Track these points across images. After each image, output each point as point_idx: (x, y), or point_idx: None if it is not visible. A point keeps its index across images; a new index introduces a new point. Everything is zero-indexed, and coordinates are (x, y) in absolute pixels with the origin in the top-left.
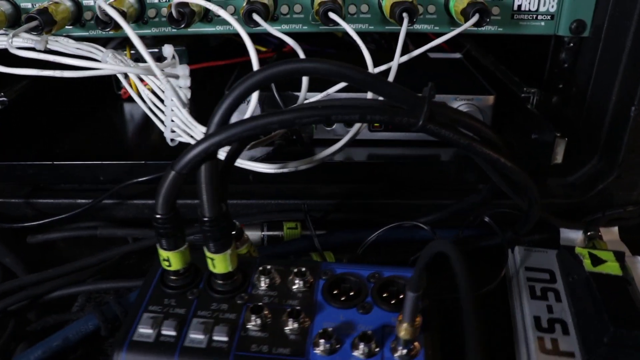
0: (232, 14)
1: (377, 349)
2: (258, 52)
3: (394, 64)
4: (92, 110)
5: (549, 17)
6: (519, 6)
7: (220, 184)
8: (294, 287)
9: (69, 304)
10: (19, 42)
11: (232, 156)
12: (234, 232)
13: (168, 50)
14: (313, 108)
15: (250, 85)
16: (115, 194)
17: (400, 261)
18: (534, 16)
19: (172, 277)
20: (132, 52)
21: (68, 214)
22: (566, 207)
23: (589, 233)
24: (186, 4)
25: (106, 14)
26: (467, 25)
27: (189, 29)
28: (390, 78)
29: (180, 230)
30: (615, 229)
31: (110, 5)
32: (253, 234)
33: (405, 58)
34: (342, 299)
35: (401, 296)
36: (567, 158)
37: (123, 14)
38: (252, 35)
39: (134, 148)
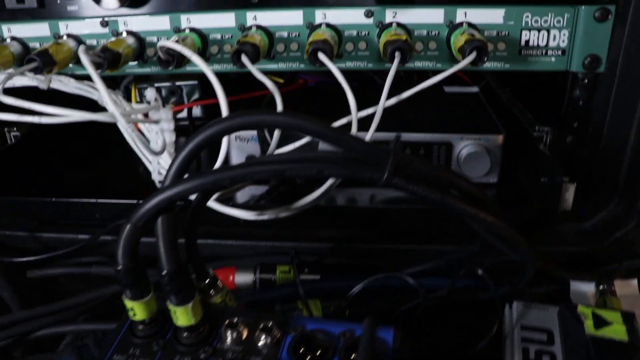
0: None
1: None
2: (277, 84)
3: (379, 108)
4: (97, 147)
5: (559, 53)
6: (527, 42)
7: (176, 237)
8: (260, 342)
9: (58, 342)
10: (24, 81)
11: (198, 206)
12: (207, 280)
13: (150, 94)
14: (267, 163)
15: (207, 137)
16: (112, 232)
17: (389, 311)
18: (544, 52)
19: (139, 327)
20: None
21: (65, 250)
22: (580, 256)
23: (600, 287)
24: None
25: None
26: (463, 64)
27: (187, 68)
28: (375, 122)
29: (143, 280)
30: (635, 282)
31: (106, 46)
32: (245, 277)
33: (393, 100)
34: (308, 358)
35: None
36: (583, 202)
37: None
38: None
39: (132, 186)
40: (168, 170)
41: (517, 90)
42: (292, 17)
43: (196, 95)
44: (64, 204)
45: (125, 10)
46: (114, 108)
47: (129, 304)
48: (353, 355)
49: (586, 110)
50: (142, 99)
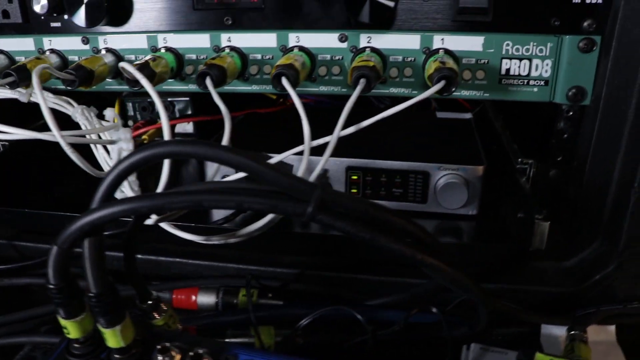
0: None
1: None
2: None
3: (333, 137)
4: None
5: (542, 83)
6: (508, 70)
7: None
8: None
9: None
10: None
11: (133, 229)
12: (150, 302)
13: (109, 113)
14: (186, 193)
15: (129, 165)
16: None
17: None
18: (525, 81)
19: (74, 345)
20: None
21: (33, 262)
22: (557, 296)
23: (572, 332)
24: (145, 65)
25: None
26: (428, 93)
27: (164, 87)
28: (328, 150)
29: (77, 299)
30: (612, 328)
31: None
32: (208, 298)
33: (352, 129)
34: None
35: None
36: (565, 240)
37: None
38: None
39: None
40: (94, 194)
41: (510, 117)
42: (265, 40)
43: (188, 112)
44: (35, 215)
45: (105, 29)
46: (54, 128)
47: (62, 322)
48: None
49: (571, 144)
50: (135, 113)
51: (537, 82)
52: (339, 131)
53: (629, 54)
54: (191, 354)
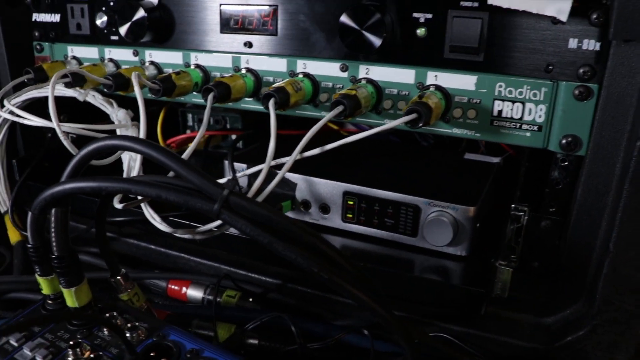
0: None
1: None
2: None
3: (290, 158)
4: None
5: (535, 128)
6: (500, 112)
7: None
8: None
9: None
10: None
11: (100, 208)
12: (118, 277)
13: (121, 114)
14: (121, 181)
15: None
16: None
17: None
18: (518, 125)
19: (48, 301)
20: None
21: None
22: (527, 351)
23: None
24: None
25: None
26: (396, 122)
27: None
28: (285, 169)
29: (48, 261)
30: None
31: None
32: (197, 293)
33: (316, 151)
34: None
35: None
36: (550, 296)
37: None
38: None
39: None
40: (64, 172)
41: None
42: (278, 64)
43: (238, 125)
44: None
45: (150, 44)
46: (54, 118)
47: (37, 279)
48: None
49: (565, 195)
50: (194, 124)
51: (530, 127)
52: (297, 152)
53: (617, 106)
54: (129, 325)
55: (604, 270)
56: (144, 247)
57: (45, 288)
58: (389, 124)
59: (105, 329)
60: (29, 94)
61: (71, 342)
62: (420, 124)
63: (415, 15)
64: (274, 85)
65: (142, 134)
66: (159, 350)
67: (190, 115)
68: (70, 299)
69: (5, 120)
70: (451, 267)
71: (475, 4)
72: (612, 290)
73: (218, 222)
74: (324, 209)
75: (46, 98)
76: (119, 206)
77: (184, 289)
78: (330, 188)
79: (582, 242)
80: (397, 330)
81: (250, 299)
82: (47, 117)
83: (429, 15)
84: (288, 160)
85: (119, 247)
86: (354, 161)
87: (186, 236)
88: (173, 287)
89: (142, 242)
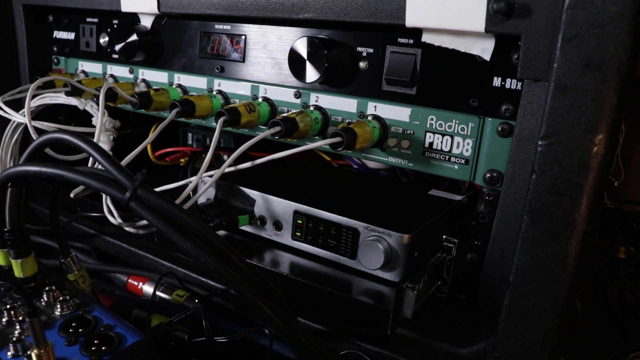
0: None
1: None
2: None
3: (218, 171)
4: None
5: (463, 162)
6: (431, 143)
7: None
8: (57, 309)
9: None
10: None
11: (53, 193)
12: (68, 259)
13: (94, 120)
14: (52, 167)
15: (36, 144)
16: None
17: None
18: (447, 157)
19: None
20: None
21: None
22: None
23: None
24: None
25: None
26: (319, 144)
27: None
28: (207, 186)
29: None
30: None
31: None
32: (151, 289)
33: (248, 164)
34: (70, 330)
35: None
36: (471, 328)
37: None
38: None
39: None
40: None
41: None
42: (243, 88)
43: (231, 145)
44: None
45: (143, 64)
46: (28, 117)
47: None
48: (96, 340)
49: (490, 229)
50: (193, 142)
51: (457, 160)
52: (225, 166)
53: (527, 143)
54: (61, 298)
55: (505, 302)
56: (118, 245)
57: (1, 259)
58: (313, 144)
59: (43, 300)
60: (42, 100)
61: (7, 306)
62: (341, 148)
63: (359, 49)
64: (229, 106)
65: (96, 137)
66: (79, 321)
67: (190, 134)
68: (17, 270)
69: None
70: (375, 289)
71: (411, 41)
72: (512, 323)
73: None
74: (277, 226)
75: (56, 105)
76: (72, 195)
77: (141, 284)
78: (283, 206)
79: (495, 275)
80: (280, 327)
81: (197, 300)
82: (57, 122)
83: (371, 50)
84: (216, 172)
85: (98, 243)
86: (314, 185)
87: (129, 229)
88: (132, 282)
89: (116, 241)
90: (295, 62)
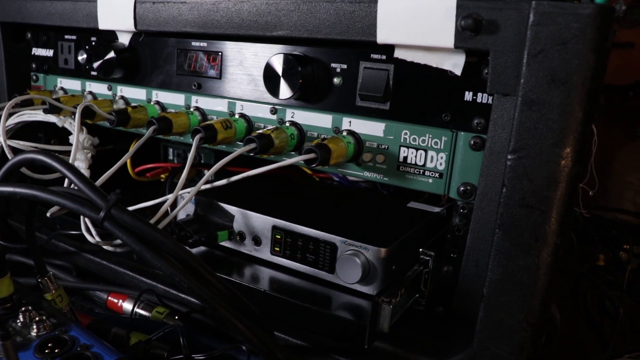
0: None
1: None
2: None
3: (171, 196)
4: None
5: (437, 175)
6: (405, 158)
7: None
8: (33, 330)
9: None
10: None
11: (29, 213)
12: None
13: (71, 138)
14: (32, 188)
15: (12, 164)
16: None
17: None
18: (421, 171)
19: None
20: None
21: None
22: None
23: None
24: (123, 111)
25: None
26: (293, 160)
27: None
28: (181, 206)
29: None
30: None
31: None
32: (128, 305)
33: (223, 182)
34: (46, 351)
35: None
36: (448, 341)
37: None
38: None
39: None
40: None
41: None
42: (220, 104)
43: (211, 161)
44: None
45: (121, 81)
46: (2, 137)
47: None
48: None
49: (464, 242)
50: (174, 158)
51: (432, 174)
52: (202, 183)
53: (498, 157)
54: (37, 318)
55: (480, 315)
56: (98, 262)
57: None
58: (288, 161)
59: (19, 321)
60: (21, 118)
61: None
62: (315, 164)
63: (333, 65)
64: (205, 123)
65: (72, 156)
66: (56, 341)
67: (170, 150)
68: None
69: None
70: (353, 303)
71: (383, 57)
72: (486, 335)
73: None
74: (256, 241)
75: (35, 122)
76: (48, 214)
77: (121, 302)
78: (261, 222)
79: (470, 287)
80: (254, 344)
81: (177, 317)
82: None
83: (344, 66)
84: (193, 189)
85: (78, 261)
86: (294, 199)
87: (107, 247)
88: (112, 299)
89: (96, 258)
90: (270, 79)
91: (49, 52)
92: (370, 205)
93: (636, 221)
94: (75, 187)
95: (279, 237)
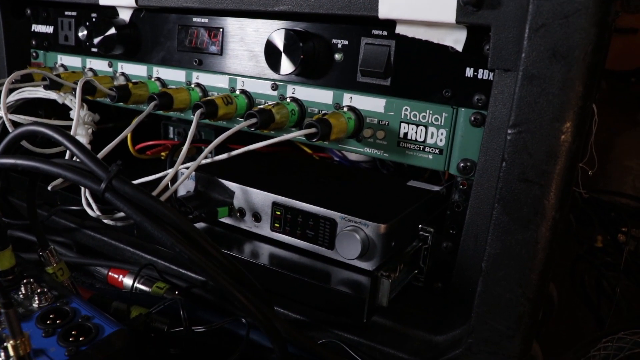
0: None
1: None
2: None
3: (171, 170)
4: None
5: (437, 151)
6: (405, 134)
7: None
8: (34, 301)
9: None
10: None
11: (30, 187)
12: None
13: (72, 114)
14: (33, 160)
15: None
16: None
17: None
18: (421, 147)
19: None
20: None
21: None
22: None
23: None
24: (124, 87)
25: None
26: (294, 134)
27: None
28: (189, 171)
29: None
30: None
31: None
32: (129, 280)
33: (224, 156)
34: (47, 322)
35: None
36: (446, 315)
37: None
38: None
39: None
40: None
41: None
42: (221, 80)
43: (211, 138)
44: None
45: (122, 57)
46: (3, 110)
47: None
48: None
49: (463, 218)
50: (174, 136)
51: (432, 150)
52: (202, 157)
53: (498, 132)
54: (39, 290)
55: (478, 289)
56: (99, 238)
57: None
58: (288, 135)
59: (21, 293)
60: (21, 95)
61: None
62: (316, 139)
63: (334, 41)
64: (206, 98)
65: (73, 130)
66: (57, 312)
67: (171, 128)
68: None
69: None
70: (352, 278)
71: (385, 33)
72: (485, 309)
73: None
74: (256, 217)
75: (36, 99)
76: (49, 187)
77: (121, 277)
78: (261, 198)
79: (469, 263)
80: (255, 316)
81: (177, 292)
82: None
83: (346, 42)
84: (193, 164)
85: (79, 237)
86: (294, 177)
87: (107, 221)
88: (112, 275)
89: (97, 234)
90: (272, 55)
91: (49, 29)
92: (370, 184)
93: (635, 204)
94: (77, 159)
95: (279, 213)
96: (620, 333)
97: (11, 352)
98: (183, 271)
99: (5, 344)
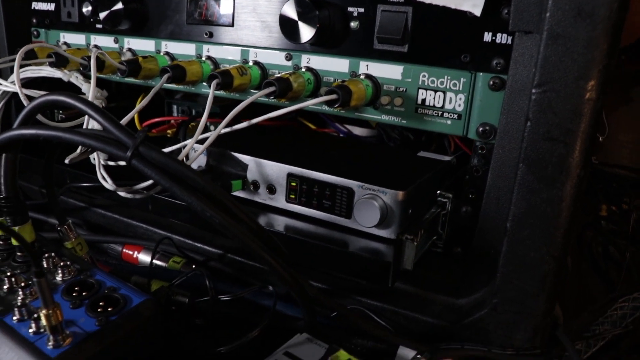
0: None
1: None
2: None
3: (190, 141)
4: None
5: (455, 117)
6: (423, 100)
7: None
8: (58, 274)
9: None
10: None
11: (48, 162)
12: (65, 227)
13: (84, 87)
14: (54, 129)
15: (29, 109)
16: None
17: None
18: (439, 113)
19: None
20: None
21: None
22: (435, 328)
23: (418, 355)
24: (134, 61)
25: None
26: (315, 101)
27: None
28: (207, 142)
29: None
30: None
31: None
32: (147, 257)
33: (244, 124)
34: (74, 294)
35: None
36: (466, 278)
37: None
38: None
39: None
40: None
41: None
42: (232, 53)
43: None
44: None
45: (128, 33)
46: (18, 86)
47: None
48: (101, 302)
49: (483, 182)
50: (178, 114)
51: (450, 115)
52: (222, 127)
53: (520, 95)
54: (62, 264)
55: (503, 250)
56: (110, 216)
57: None
58: (308, 102)
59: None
60: (24, 74)
61: (8, 273)
62: (337, 105)
63: (350, 9)
64: (220, 69)
65: (90, 97)
66: (82, 285)
67: (175, 107)
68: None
69: (2, 95)
70: (373, 245)
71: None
72: (510, 269)
73: (149, 182)
74: (271, 189)
75: (39, 78)
76: (67, 160)
77: (136, 253)
78: (276, 170)
79: (491, 225)
80: (286, 280)
81: (193, 266)
82: None
83: (362, 9)
84: (212, 134)
85: (89, 216)
86: (306, 149)
87: (124, 194)
88: (127, 251)
89: (108, 212)
90: (287, 26)
91: (51, 6)
92: (382, 155)
93: (635, 176)
94: (100, 127)
95: (294, 184)
96: (635, 294)
97: (44, 322)
98: (199, 245)
99: (35, 315)
